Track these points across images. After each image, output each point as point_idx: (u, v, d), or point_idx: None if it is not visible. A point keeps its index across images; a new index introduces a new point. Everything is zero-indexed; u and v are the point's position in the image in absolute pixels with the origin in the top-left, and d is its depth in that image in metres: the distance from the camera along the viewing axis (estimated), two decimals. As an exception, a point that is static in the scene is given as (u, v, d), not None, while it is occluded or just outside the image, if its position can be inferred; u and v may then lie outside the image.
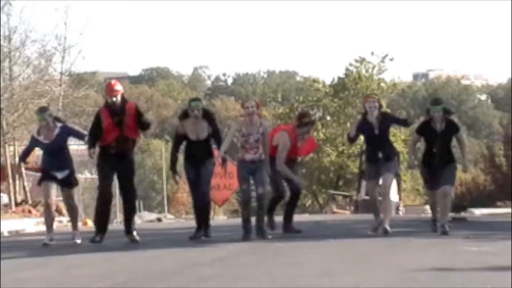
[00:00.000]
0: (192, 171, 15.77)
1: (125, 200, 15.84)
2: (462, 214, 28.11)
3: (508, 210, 30.19)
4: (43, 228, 24.28)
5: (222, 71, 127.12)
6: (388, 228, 15.89)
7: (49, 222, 16.31)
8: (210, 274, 11.14)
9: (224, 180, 21.71)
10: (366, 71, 54.52)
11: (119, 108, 15.08)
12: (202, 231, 15.72)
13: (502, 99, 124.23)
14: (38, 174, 33.79)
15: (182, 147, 16.05)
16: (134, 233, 15.62)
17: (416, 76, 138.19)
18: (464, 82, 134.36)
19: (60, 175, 15.74)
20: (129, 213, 15.78)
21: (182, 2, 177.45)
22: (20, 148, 33.44)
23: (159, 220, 32.83)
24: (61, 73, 33.14)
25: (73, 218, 16.54)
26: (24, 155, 17.46)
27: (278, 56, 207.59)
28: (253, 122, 15.17)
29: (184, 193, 41.31)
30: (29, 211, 28.72)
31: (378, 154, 15.85)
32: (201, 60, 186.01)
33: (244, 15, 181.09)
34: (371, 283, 10.21)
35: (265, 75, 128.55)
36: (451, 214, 26.85)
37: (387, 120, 16.18)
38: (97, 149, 15.52)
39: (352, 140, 17.02)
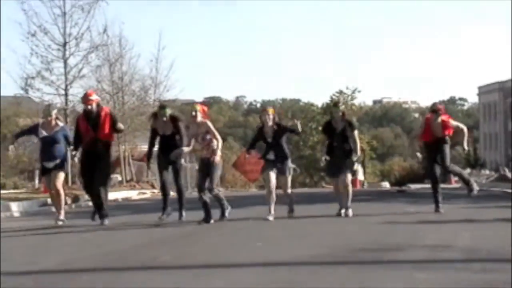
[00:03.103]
0: (164, 164, 12.19)
1: (95, 190, 11.79)
2: (403, 187, 28.04)
3: (428, 185, 29.98)
4: (143, 196, 24.31)
5: (253, 98, 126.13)
6: (292, 208, 12.32)
7: (56, 204, 12.44)
8: (242, 227, 11.17)
9: (253, 167, 20.67)
10: (343, 98, 54.91)
11: (94, 115, 11.71)
12: (178, 211, 12.35)
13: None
14: (141, 163, 33.98)
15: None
16: (106, 221, 11.85)
17: (375, 102, 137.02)
18: (404, 105, 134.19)
19: (51, 164, 12.08)
20: (97, 199, 11.87)
21: (230, 56, 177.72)
22: (128, 148, 33.56)
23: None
24: (154, 100, 33.14)
25: (58, 203, 12.38)
26: (19, 135, 13.94)
27: (289, 88, 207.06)
28: (197, 123, 11.66)
29: (229, 175, 40.63)
30: (134, 186, 28.62)
31: (271, 156, 11.92)
32: (240, 91, 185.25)
33: (268, 63, 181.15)
34: (345, 229, 10.22)
35: (281, 101, 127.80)
36: (396, 188, 26.65)
37: (281, 130, 12.07)
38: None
39: (251, 146, 12.51)
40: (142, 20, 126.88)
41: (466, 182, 12.97)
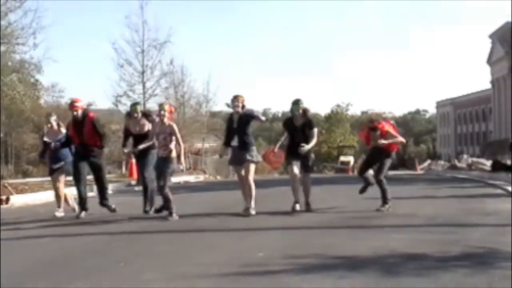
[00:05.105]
0: (137, 159, 9.51)
1: (97, 184, 9.33)
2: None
3: (399, 172, 29.59)
4: (198, 180, 24.23)
5: (276, 110, 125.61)
6: (252, 206, 8.65)
7: (58, 200, 9.49)
8: (268, 201, 10.99)
9: (277, 158, 20.18)
10: (340, 110, 54.95)
11: (80, 120, 9.04)
12: (147, 205, 9.26)
13: (399, 123, 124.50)
14: (196, 156, 33.95)
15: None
16: (110, 204, 9.32)
17: (362, 112, 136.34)
18: (384, 115, 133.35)
19: (56, 166, 9.36)
20: (101, 190, 9.24)
21: (260, 79, 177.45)
22: (187, 145, 33.58)
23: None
24: (205, 112, 33.47)
25: (57, 198, 9.50)
26: (41, 153, 9.62)
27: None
28: (164, 123, 8.48)
29: (259, 164, 40.36)
30: (191, 172, 28.67)
31: (234, 143, 8.65)
32: (265, 105, 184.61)
33: (285, 82, 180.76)
34: (340, 203, 10.17)
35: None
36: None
37: (246, 116, 8.61)
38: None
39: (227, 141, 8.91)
40: (196, 55, 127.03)
41: (384, 199, 9.25)
